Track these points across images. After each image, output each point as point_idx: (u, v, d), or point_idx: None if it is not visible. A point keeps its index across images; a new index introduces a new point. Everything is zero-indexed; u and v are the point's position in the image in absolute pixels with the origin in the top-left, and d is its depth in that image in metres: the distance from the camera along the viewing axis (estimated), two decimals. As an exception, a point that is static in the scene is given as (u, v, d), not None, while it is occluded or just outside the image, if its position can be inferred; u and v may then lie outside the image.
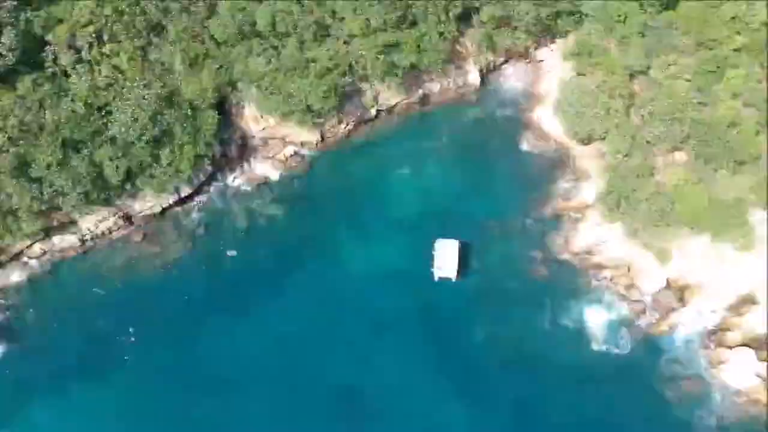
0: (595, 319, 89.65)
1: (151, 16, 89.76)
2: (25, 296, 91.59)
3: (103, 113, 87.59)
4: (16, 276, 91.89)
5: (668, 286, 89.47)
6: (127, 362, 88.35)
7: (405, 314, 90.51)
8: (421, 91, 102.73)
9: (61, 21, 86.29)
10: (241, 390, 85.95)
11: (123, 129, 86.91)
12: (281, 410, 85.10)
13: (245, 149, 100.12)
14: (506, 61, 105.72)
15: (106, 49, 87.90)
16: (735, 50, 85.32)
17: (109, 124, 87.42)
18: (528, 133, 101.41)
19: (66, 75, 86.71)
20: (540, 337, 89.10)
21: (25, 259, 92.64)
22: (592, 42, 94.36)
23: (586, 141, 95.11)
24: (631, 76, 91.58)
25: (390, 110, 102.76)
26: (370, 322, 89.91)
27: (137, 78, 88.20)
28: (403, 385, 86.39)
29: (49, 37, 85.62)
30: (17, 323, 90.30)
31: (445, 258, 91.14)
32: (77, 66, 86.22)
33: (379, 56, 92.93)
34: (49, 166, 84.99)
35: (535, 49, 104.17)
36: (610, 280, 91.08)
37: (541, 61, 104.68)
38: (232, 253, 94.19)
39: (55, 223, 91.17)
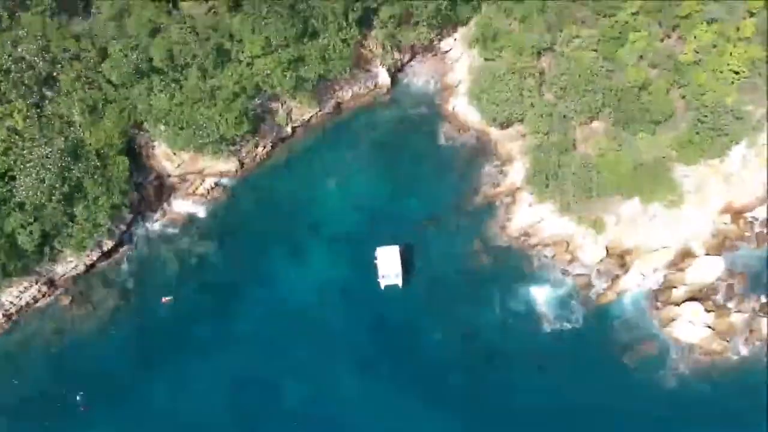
0: (544, 298, 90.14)
1: (40, 70, 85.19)
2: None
3: (6, 180, 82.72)
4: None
5: (608, 254, 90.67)
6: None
7: (356, 328, 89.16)
8: (333, 101, 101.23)
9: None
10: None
11: (30, 192, 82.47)
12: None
13: (163, 189, 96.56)
14: (413, 58, 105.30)
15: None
16: (633, 14, 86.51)
17: (15, 189, 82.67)
18: (446, 125, 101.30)
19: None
20: (493, 327, 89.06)
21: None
22: (494, 25, 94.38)
23: (505, 125, 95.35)
24: (539, 54, 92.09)
25: (305, 124, 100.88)
26: (321, 342, 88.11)
27: (36, 136, 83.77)
28: (363, 400, 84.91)
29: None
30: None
31: (388, 265, 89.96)
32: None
33: (285, 73, 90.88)
34: (-45, 245, 79.95)
35: (440, 41, 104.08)
36: (552, 257, 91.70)
37: (447, 51, 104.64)
38: (168, 299, 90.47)
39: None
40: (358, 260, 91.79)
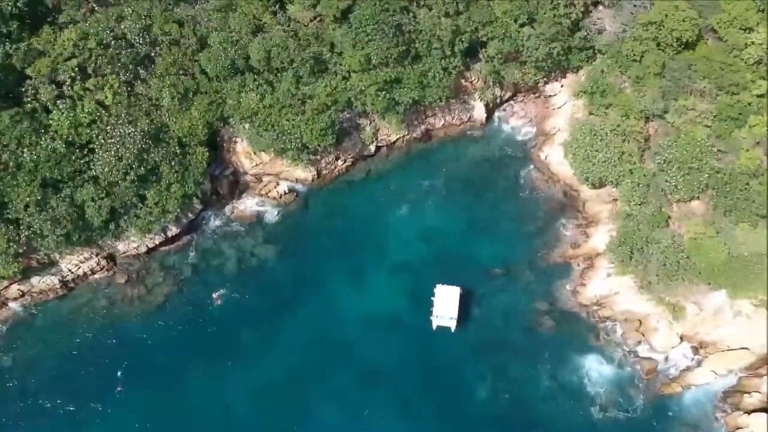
0: (602, 376, 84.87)
1: (138, 49, 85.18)
2: (2, 339, 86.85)
3: (85, 152, 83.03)
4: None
5: (682, 343, 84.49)
6: (115, 411, 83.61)
7: (399, 366, 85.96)
8: (423, 127, 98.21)
9: (42, 54, 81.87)
10: None
11: (106, 168, 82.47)
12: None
13: (237, 186, 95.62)
14: (513, 97, 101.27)
15: (90, 84, 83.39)
16: (759, 96, 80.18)
17: (92, 163, 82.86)
18: (535, 173, 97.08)
19: (47, 111, 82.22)
20: (542, 395, 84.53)
21: (1, 299, 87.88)
22: (606, 80, 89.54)
23: (598, 185, 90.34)
24: (647, 119, 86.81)
25: (390, 146, 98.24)
26: (362, 372, 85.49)
27: (122, 114, 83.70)
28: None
29: (29, 71, 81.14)
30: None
31: (445, 305, 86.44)
32: (58, 102, 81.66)
33: (379, 93, 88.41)
34: (26, 207, 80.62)
35: (545, 84, 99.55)
36: (620, 335, 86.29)
37: (551, 96, 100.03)
38: (218, 294, 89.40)
39: (34, 264, 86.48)
40: (415, 294, 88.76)
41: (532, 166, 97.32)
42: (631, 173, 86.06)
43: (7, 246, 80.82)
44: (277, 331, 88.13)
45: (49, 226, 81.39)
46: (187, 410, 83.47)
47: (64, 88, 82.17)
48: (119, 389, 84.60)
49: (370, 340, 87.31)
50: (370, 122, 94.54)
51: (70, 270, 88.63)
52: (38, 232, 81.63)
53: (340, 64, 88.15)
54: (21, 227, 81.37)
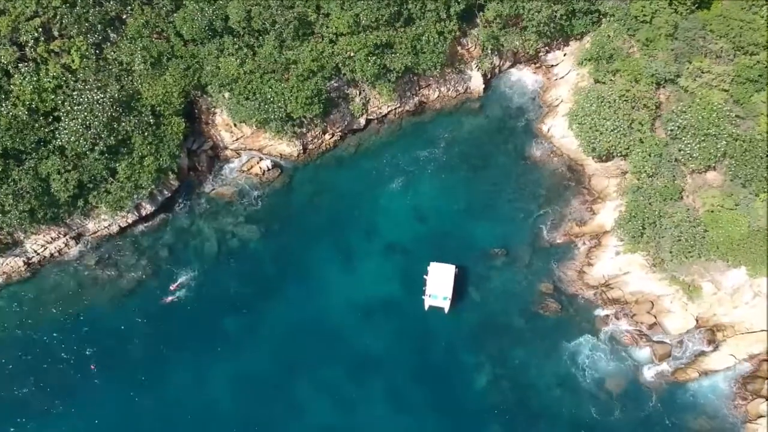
0: (612, 362, 79.54)
1: (108, 9, 79.52)
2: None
3: (50, 120, 77.28)
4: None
5: (698, 325, 79.28)
6: (86, 402, 77.96)
7: (389, 351, 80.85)
8: (416, 99, 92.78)
9: (1, 12, 76.04)
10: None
11: (73, 138, 76.84)
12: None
13: (216, 161, 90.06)
14: (513, 66, 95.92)
15: (55, 45, 77.58)
16: (780, 56, 75.17)
17: (57, 132, 77.13)
18: (537, 147, 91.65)
19: (7, 75, 76.29)
20: (546, 383, 79.30)
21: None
22: (612, 45, 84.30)
23: (605, 157, 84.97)
24: (658, 84, 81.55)
25: (381, 119, 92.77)
26: (350, 359, 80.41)
27: (90, 79, 77.99)
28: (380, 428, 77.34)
29: (-13, 31, 75.40)
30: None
31: (438, 284, 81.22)
32: (20, 65, 75.93)
33: (369, 58, 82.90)
34: (-14, 180, 74.87)
35: (547, 52, 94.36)
36: (631, 317, 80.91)
37: (553, 66, 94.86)
38: (177, 284, 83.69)
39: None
40: (408, 276, 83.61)
41: (533, 140, 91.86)
42: (642, 142, 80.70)
43: (-35, 222, 75.37)
44: (259, 316, 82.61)
45: (11, 201, 75.73)
46: (164, 402, 77.87)
47: (27, 50, 76.39)
48: (92, 368, 79.14)
49: (359, 324, 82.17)
50: (360, 92, 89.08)
51: (35, 251, 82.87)
52: (-1, 206, 76.20)
53: (327, 26, 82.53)
54: (-21, 201, 75.81)
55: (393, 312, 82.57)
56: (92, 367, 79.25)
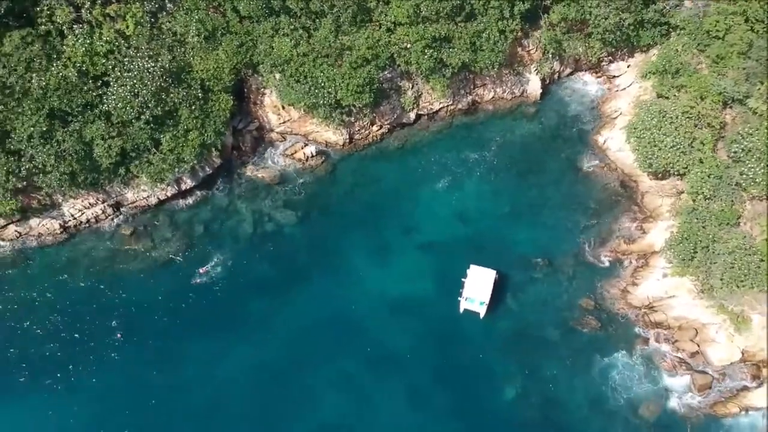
0: (648, 388, 76.34)
1: (167, -22, 79.30)
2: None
3: (98, 84, 77.08)
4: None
5: (743, 359, 75.67)
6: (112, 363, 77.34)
7: (417, 351, 78.61)
8: (470, 97, 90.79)
9: (60, -28, 76.09)
10: (225, 416, 74.98)
11: (120, 104, 76.48)
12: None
13: (261, 143, 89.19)
14: (574, 73, 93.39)
15: (111, 10, 77.42)
16: None
17: (105, 97, 76.84)
18: (591, 159, 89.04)
19: (61, 35, 76.49)
20: (578, 403, 76.20)
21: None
22: (680, 59, 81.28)
23: (661, 175, 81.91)
24: (725, 103, 78.31)
25: (432, 116, 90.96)
26: (376, 355, 78.49)
27: (143, 47, 77.65)
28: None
29: (45, -11, 75.43)
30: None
31: (477, 288, 79.01)
32: (75, 26, 75.94)
33: (426, 50, 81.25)
34: (30, 138, 74.75)
35: (610, 62, 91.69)
36: (672, 343, 77.65)
37: (615, 76, 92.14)
38: (204, 269, 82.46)
39: (34, 204, 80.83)
40: (443, 277, 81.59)
41: (588, 151, 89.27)
42: (702, 162, 77.49)
43: (6, 178, 75.26)
44: (287, 302, 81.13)
45: (53, 161, 75.61)
46: (182, 378, 76.74)
47: (83, 11, 76.39)
48: (119, 336, 78.29)
49: (387, 320, 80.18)
50: (413, 85, 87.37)
51: (72, 215, 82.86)
52: (41, 166, 75.94)
53: (386, 14, 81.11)
54: (23, 160, 75.71)
55: (424, 311, 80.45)
56: (119, 335, 78.67)
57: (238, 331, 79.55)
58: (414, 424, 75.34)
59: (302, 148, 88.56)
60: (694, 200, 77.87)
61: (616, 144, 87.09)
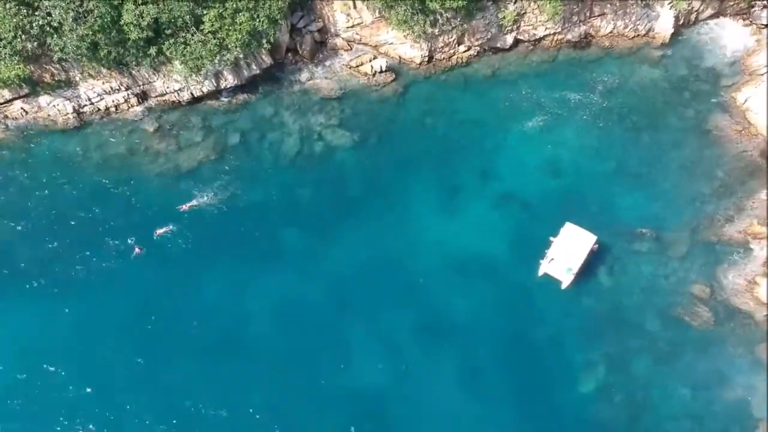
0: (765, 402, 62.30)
1: None
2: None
3: (140, -62, 67.05)
4: (-18, 135, 72.70)
5: None
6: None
7: (476, 316, 66.53)
8: (583, 28, 78.15)
9: None
10: (245, 352, 64.80)
11: (161, -36, 66.26)
12: (284, 406, 62.87)
13: (322, 48, 77.93)
14: (715, 16, 79.90)
15: None
16: None
17: (144, -45, 66.71)
18: (724, 119, 75.40)
19: None
20: (674, 411, 63.05)
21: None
22: None
23: (815, 144, 67.78)
24: None
25: (533, 43, 78.57)
26: (425, 315, 66.81)
27: None
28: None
29: None
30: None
31: (567, 252, 66.44)
32: None
33: (540, -49, 69.00)
34: (49, -12, 65.18)
35: (763, 7, 77.96)
36: (807, 353, 63.35)
37: (765, 26, 78.24)
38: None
39: (47, 78, 71.18)
40: (522, 234, 69.40)
41: (722, 110, 75.60)
42: None
43: (15, 34, 65.86)
44: (331, 240, 69.73)
45: (71, 20, 65.78)
46: (200, 304, 66.45)
47: None
48: (137, 251, 68.26)
49: (447, 278, 68.07)
50: (515, 1, 74.99)
51: (89, 98, 73.00)
52: (56, 23, 66.18)
53: None
54: (36, 14, 66.15)
55: (493, 273, 68.10)
56: (137, 250, 68.29)
57: (268, 262, 68.60)
58: (464, 410, 63.07)
59: (370, 61, 77.03)
60: None
61: (759, 105, 73.46)
